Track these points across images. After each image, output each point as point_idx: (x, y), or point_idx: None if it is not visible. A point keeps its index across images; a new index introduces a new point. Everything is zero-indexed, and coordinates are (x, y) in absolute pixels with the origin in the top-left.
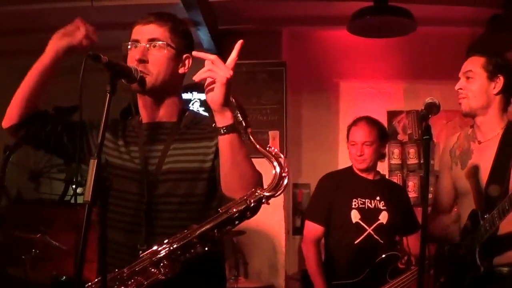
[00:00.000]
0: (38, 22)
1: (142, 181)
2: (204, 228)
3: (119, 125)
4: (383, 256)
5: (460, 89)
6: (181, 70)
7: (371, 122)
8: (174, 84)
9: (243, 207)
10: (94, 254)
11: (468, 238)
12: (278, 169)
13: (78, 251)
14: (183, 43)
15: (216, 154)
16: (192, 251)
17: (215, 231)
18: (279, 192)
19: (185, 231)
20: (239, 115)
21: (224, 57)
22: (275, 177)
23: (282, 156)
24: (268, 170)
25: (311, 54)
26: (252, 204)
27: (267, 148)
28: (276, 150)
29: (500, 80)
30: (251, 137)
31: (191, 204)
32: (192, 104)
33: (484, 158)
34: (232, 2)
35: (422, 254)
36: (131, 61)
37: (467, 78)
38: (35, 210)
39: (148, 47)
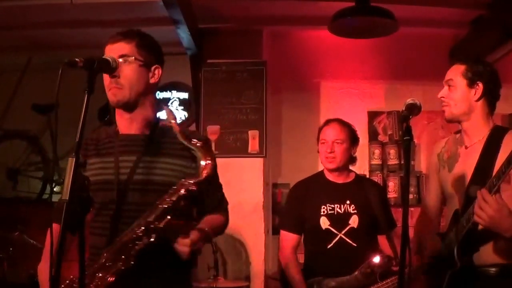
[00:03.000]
0: (17, 18)
1: (113, 190)
2: (144, 220)
3: (92, 142)
4: (375, 257)
5: (443, 97)
6: (151, 80)
7: (342, 122)
8: (147, 95)
9: (175, 198)
10: (70, 253)
11: (449, 237)
12: (202, 160)
13: (55, 250)
14: (151, 55)
15: (188, 174)
16: (140, 242)
17: (156, 222)
18: (202, 177)
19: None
20: (172, 120)
21: (203, 55)
22: (200, 166)
23: (208, 145)
24: (248, 169)
25: (291, 54)
26: (183, 193)
27: (192, 142)
28: (200, 143)
29: (480, 87)
30: (178, 134)
31: None
32: (171, 103)
33: (469, 161)
34: (212, 1)
35: (402, 257)
36: (106, 79)
37: (449, 86)
38: (12, 208)
39: (119, 63)
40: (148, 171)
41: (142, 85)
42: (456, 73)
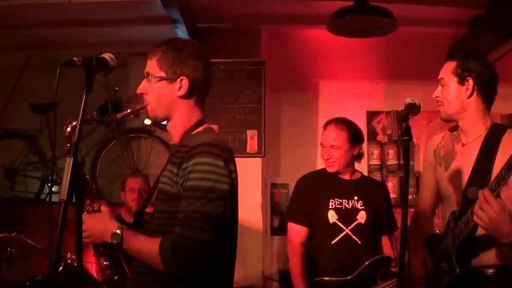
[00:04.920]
0: (15, 18)
1: None
2: None
3: None
4: (375, 258)
5: (437, 97)
6: (179, 93)
7: (340, 125)
8: (175, 108)
9: None
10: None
11: (446, 240)
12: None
13: (53, 250)
14: (175, 68)
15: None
16: None
17: None
18: None
19: None
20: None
21: None
22: None
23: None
24: (246, 169)
25: (290, 53)
26: None
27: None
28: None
29: (470, 83)
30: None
31: (165, 219)
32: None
33: (466, 160)
34: (210, 0)
35: (402, 256)
36: None
37: (442, 85)
38: (10, 208)
39: (147, 81)
40: (161, 180)
41: (167, 100)
42: (447, 71)
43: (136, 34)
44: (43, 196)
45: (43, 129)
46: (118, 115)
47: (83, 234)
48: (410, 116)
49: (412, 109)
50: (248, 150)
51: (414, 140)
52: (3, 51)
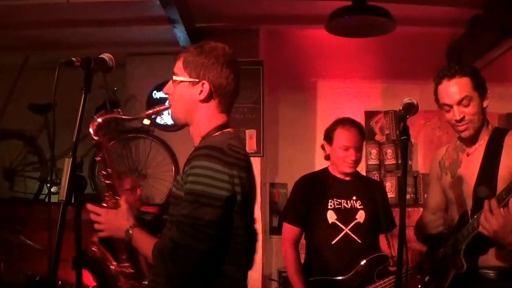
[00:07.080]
0: (14, 18)
1: None
2: None
3: None
4: (372, 256)
5: (463, 117)
6: (199, 97)
7: (358, 127)
8: (194, 111)
9: None
10: (68, 253)
11: (455, 237)
12: None
13: (52, 251)
14: (198, 71)
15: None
16: None
17: None
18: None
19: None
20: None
21: None
22: None
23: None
24: None
25: (288, 53)
26: None
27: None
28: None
29: (488, 93)
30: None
31: None
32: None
33: (472, 166)
34: (209, 0)
35: (399, 256)
36: None
37: (467, 105)
38: (9, 209)
39: (172, 81)
40: (173, 184)
41: (187, 102)
42: (467, 88)
43: (134, 34)
44: (42, 197)
45: (42, 130)
46: (143, 114)
47: (99, 227)
48: (408, 116)
49: (410, 108)
50: (247, 149)
51: (412, 139)
52: (1, 52)
